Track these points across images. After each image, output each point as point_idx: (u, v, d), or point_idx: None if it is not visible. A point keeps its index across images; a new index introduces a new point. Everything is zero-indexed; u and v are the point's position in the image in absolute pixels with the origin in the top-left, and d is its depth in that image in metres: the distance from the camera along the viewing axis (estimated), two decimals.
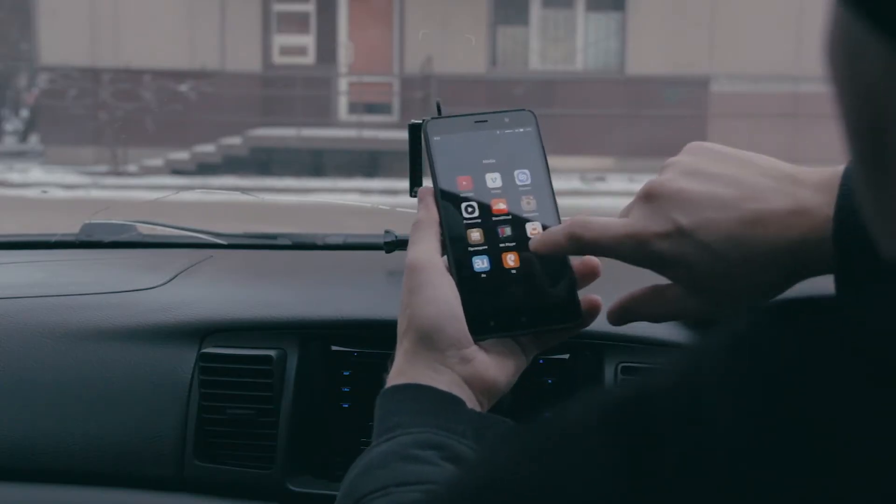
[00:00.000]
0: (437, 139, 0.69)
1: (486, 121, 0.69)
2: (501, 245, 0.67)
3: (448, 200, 0.67)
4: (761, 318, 0.31)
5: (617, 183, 10.12)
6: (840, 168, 0.53)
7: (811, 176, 0.54)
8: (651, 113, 11.46)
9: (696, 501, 0.28)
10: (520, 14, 12.35)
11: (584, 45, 12.37)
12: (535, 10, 12.36)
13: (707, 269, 0.55)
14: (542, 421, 0.34)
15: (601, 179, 10.53)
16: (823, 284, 0.52)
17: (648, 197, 0.57)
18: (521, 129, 0.69)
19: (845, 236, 0.51)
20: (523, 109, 0.70)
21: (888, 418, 0.27)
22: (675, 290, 0.59)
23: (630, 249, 0.58)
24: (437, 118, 0.70)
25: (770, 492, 0.27)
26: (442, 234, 0.67)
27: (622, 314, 0.64)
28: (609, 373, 1.05)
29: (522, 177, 0.68)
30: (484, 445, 0.59)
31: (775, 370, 0.29)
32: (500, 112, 0.69)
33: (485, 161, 0.68)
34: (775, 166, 0.56)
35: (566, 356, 1.07)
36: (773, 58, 11.30)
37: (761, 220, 0.53)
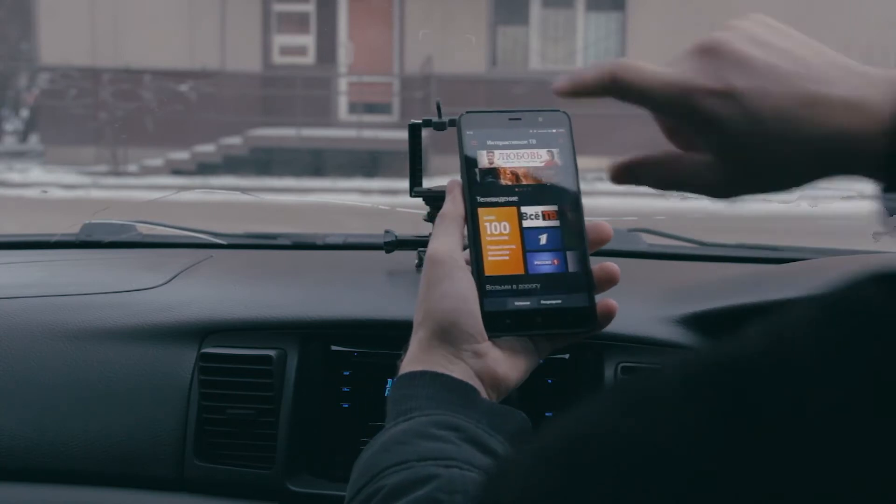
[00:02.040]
0: (469, 133, 0.69)
1: (520, 119, 0.69)
2: (524, 245, 0.67)
3: (474, 195, 0.67)
4: (855, 285, 0.31)
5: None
6: None
7: (876, 73, 0.52)
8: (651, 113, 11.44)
9: (793, 464, 0.28)
10: (520, 14, 12.35)
11: (584, 45, 12.36)
12: (535, 10, 12.36)
13: (747, 139, 0.52)
14: (628, 381, 0.34)
15: (601, 179, 10.52)
16: None
17: (707, 51, 0.54)
18: (554, 130, 0.70)
19: None
20: (558, 110, 0.70)
21: None
22: (696, 159, 0.56)
23: (673, 99, 0.54)
24: (471, 112, 0.70)
25: (868, 454, 0.27)
26: (466, 229, 0.67)
27: (626, 172, 0.60)
28: (609, 373, 1.05)
29: (551, 178, 0.68)
30: (558, 415, 0.59)
31: (873, 334, 0.29)
32: (535, 111, 0.69)
33: (516, 159, 0.68)
34: (840, 57, 0.53)
35: (566, 356, 1.07)
36: None
37: (818, 103, 0.51)
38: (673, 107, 0.55)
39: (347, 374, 1.10)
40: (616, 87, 0.57)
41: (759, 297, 1.07)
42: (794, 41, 0.54)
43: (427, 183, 1.15)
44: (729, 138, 0.53)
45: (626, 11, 12.12)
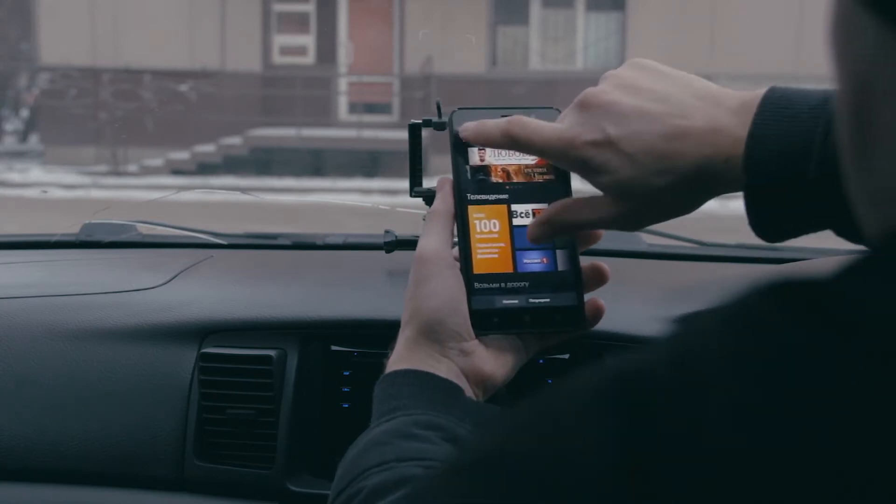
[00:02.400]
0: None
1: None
2: (513, 243, 0.67)
3: (465, 193, 0.67)
4: (755, 296, 0.31)
5: None
6: (760, 91, 0.56)
7: (732, 98, 0.58)
8: None
9: (689, 477, 0.27)
10: (520, 14, 12.35)
11: (584, 45, 12.36)
12: (535, 10, 12.36)
13: (630, 178, 0.58)
14: (538, 396, 0.34)
15: None
16: (816, 263, 0.52)
17: (583, 105, 0.60)
18: None
19: (755, 160, 0.54)
20: (550, 107, 0.70)
21: (885, 400, 0.26)
22: (601, 200, 0.62)
23: (559, 152, 0.61)
24: (463, 109, 0.70)
25: (768, 469, 0.27)
26: (455, 226, 0.67)
27: (547, 228, 0.65)
28: None
29: (543, 175, 0.68)
30: (481, 422, 0.60)
31: (773, 347, 0.29)
32: (526, 108, 0.70)
33: (506, 157, 0.68)
34: (705, 87, 0.60)
35: (566, 356, 1.07)
36: (773, 58, 11.30)
37: (681, 135, 0.57)
38: (559, 157, 0.62)
39: (347, 374, 1.10)
40: (514, 142, 0.63)
41: None
42: (661, 80, 0.60)
43: (427, 183, 1.14)
44: (614, 180, 0.59)
45: (626, 11, 12.12)
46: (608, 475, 0.29)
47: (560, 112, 0.71)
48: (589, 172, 0.60)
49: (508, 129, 0.63)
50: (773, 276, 0.31)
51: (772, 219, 0.56)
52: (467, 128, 0.66)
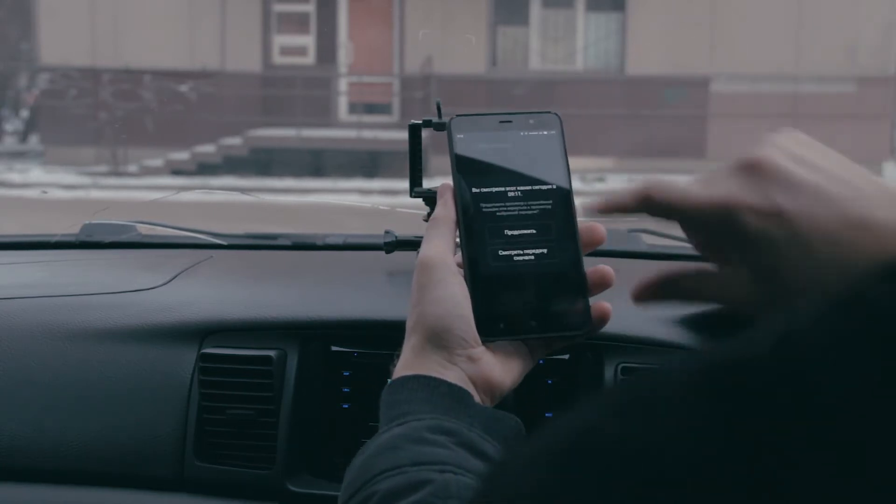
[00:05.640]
0: (460, 136, 0.68)
1: (511, 121, 0.69)
2: (516, 248, 0.66)
3: (466, 199, 0.67)
4: (863, 282, 0.30)
5: (616, 183, 10.11)
6: None
7: None
8: (651, 113, 11.46)
9: (796, 467, 0.27)
10: (520, 14, 12.35)
11: (584, 45, 12.36)
12: (535, 10, 12.36)
13: (792, 260, 0.51)
14: (629, 382, 0.34)
15: (601, 180, 10.53)
16: None
17: (753, 168, 0.53)
18: (546, 132, 0.69)
19: None
20: (549, 112, 0.69)
21: None
22: (727, 273, 0.56)
23: (716, 216, 0.53)
24: (462, 115, 0.69)
25: (883, 458, 0.26)
26: (457, 233, 0.67)
27: (664, 289, 0.59)
28: (609, 373, 1.05)
29: (543, 180, 0.68)
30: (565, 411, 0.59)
31: (881, 332, 0.28)
32: (526, 113, 0.69)
33: (507, 162, 0.68)
34: (874, 177, 0.53)
35: (566, 357, 1.07)
36: (773, 58, 11.29)
37: (866, 227, 0.49)
38: (716, 224, 0.53)
39: (347, 374, 1.10)
40: (652, 207, 0.56)
41: None
42: (833, 161, 0.53)
43: (427, 183, 1.15)
44: (772, 258, 0.52)
45: (626, 11, 12.12)
46: (711, 464, 0.28)
47: (558, 116, 0.70)
48: (746, 244, 0.52)
49: (647, 193, 0.56)
50: (882, 263, 0.30)
51: None
52: (596, 201, 0.59)
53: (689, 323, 1.07)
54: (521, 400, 0.92)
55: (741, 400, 0.29)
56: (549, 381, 1.07)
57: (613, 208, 0.58)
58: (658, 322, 1.07)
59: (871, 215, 0.50)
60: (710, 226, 0.54)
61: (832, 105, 11.17)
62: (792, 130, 0.55)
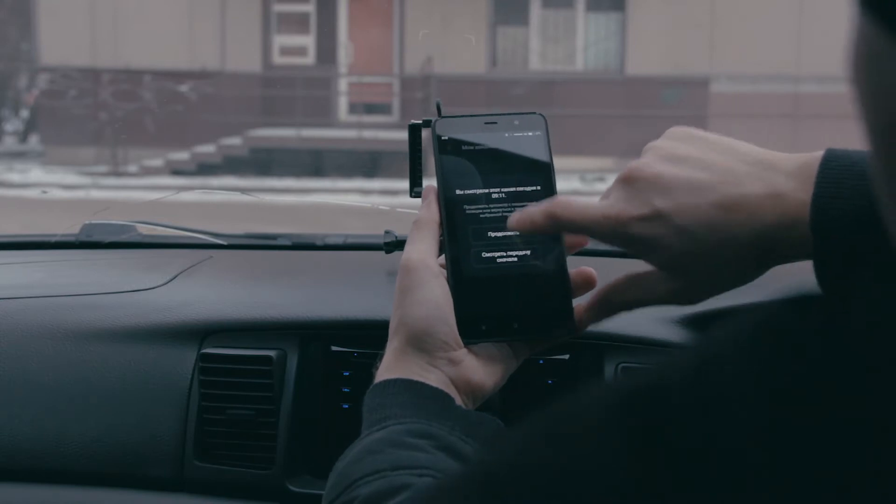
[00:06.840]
0: (444, 139, 0.68)
1: (496, 122, 0.69)
2: (499, 250, 0.66)
3: (450, 201, 0.67)
4: (779, 312, 0.31)
5: None
6: (817, 154, 0.54)
7: (786, 161, 0.55)
8: (651, 113, 11.46)
9: (704, 495, 0.27)
10: (520, 14, 12.35)
11: (584, 45, 12.36)
12: (535, 10, 12.36)
13: (684, 252, 0.56)
14: (553, 409, 0.34)
15: (601, 180, 10.53)
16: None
17: (627, 180, 0.58)
18: (531, 133, 0.69)
19: (824, 222, 0.51)
20: (534, 113, 0.69)
21: None
22: (651, 276, 0.60)
23: (608, 230, 0.58)
24: (446, 117, 0.69)
25: (788, 488, 0.26)
26: (441, 235, 0.66)
27: (603, 307, 0.64)
28: (609, 373, 1.05)
29: (528, 182, 0.68)
30: (492, 435, 0.60)
31: (801, 362, 0.28)
32: (511, 114, 0.69)
33: (491, 164, 0.68)
34: (751, 152, 0.57)
35: (566, 356, 1.07)
36: (773, 58, 11.29)
37: (737, 205, 0.54)
38: (608, 236, 0.59)
39: (347, 374, 1.10)
40: (558, 225, 0.60)
41: (759, 297, 1.07)
42: (704, 148, 0.57)
43: (427, 183, 1.15)
44: (667, 255, 0.57)
45: (626, 11, 12.12)
46: (620, 491, 0.29)
47: (543, 117, 0.70)
48: (640, 250, 0.58)
49: (551, 210, 0.60)
50: (792, 289, 0.31)
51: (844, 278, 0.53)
52: (513, 219, 0.62)
53: (689, 323, 1.07)
54: (521, 400, 0.93)
55: (651, 430, 0.29)
56: (549, 382, 1.07)
57: (526, 226, 0.62)
58: (658, 322, 1.07)
59: (740, 193, 0.54)
60: (609, 238, 0.59)
61: (832, 105, 11.16)
62: (675, 127, 0.60)
